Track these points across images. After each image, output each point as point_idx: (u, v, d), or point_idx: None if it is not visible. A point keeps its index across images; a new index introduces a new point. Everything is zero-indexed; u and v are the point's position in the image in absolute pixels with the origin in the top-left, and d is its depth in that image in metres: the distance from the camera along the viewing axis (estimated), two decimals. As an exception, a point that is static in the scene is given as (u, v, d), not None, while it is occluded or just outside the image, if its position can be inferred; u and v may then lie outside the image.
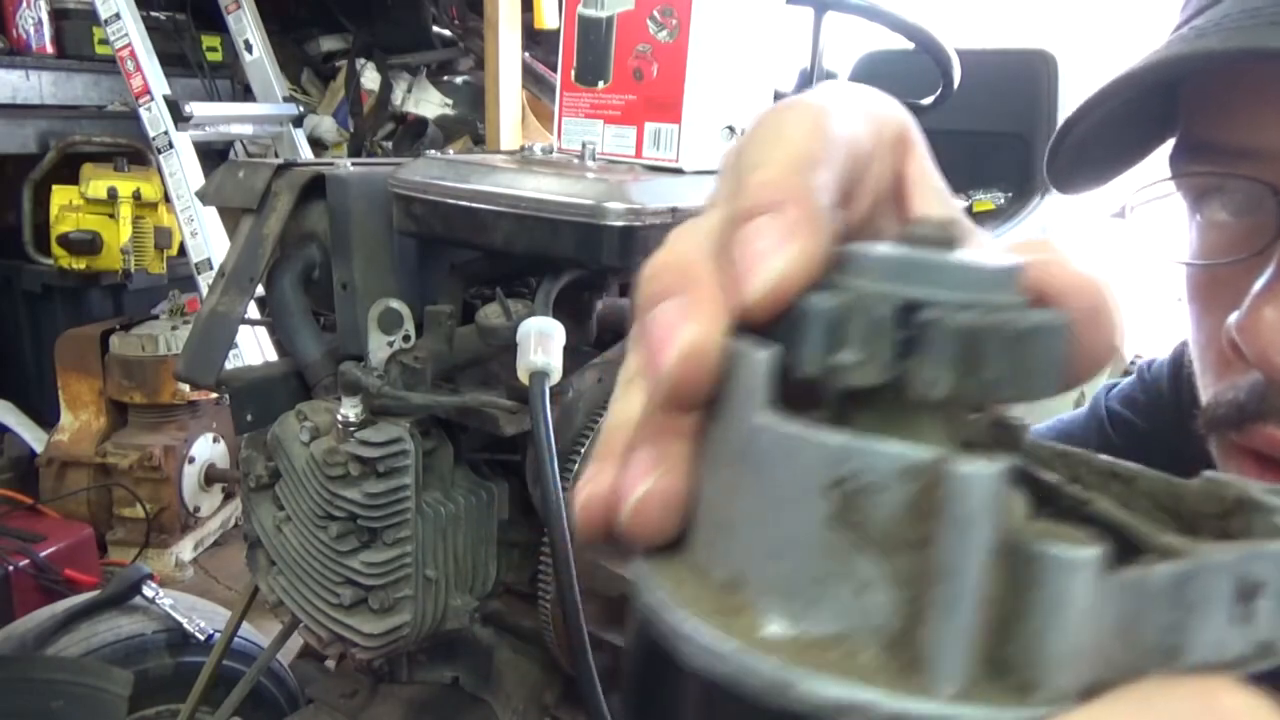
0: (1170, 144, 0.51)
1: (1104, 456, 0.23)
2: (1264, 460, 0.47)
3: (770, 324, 0.20)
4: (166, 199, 2.66)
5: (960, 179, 2.48)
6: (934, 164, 0.27)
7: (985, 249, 0.22)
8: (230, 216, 1.17)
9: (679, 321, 0.20)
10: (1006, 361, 0.18)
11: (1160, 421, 0.69)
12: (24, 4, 2.71)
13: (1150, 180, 0.52)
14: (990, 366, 0.18)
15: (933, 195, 0.27)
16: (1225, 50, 0.41)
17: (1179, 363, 0.68)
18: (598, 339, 1.08)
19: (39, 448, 2.61)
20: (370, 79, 3.39)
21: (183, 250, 2.63)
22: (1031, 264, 0.21)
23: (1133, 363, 0.79)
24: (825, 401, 0.21)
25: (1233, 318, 0.44)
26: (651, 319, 0.21)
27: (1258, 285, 0.44)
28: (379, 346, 0.94)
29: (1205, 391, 0.51)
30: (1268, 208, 0.45)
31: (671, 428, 0.21)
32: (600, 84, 1.00)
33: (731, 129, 0.98)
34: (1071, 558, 0.16)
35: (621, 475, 0.21)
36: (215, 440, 2.70)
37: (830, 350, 0.19)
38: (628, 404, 0.23)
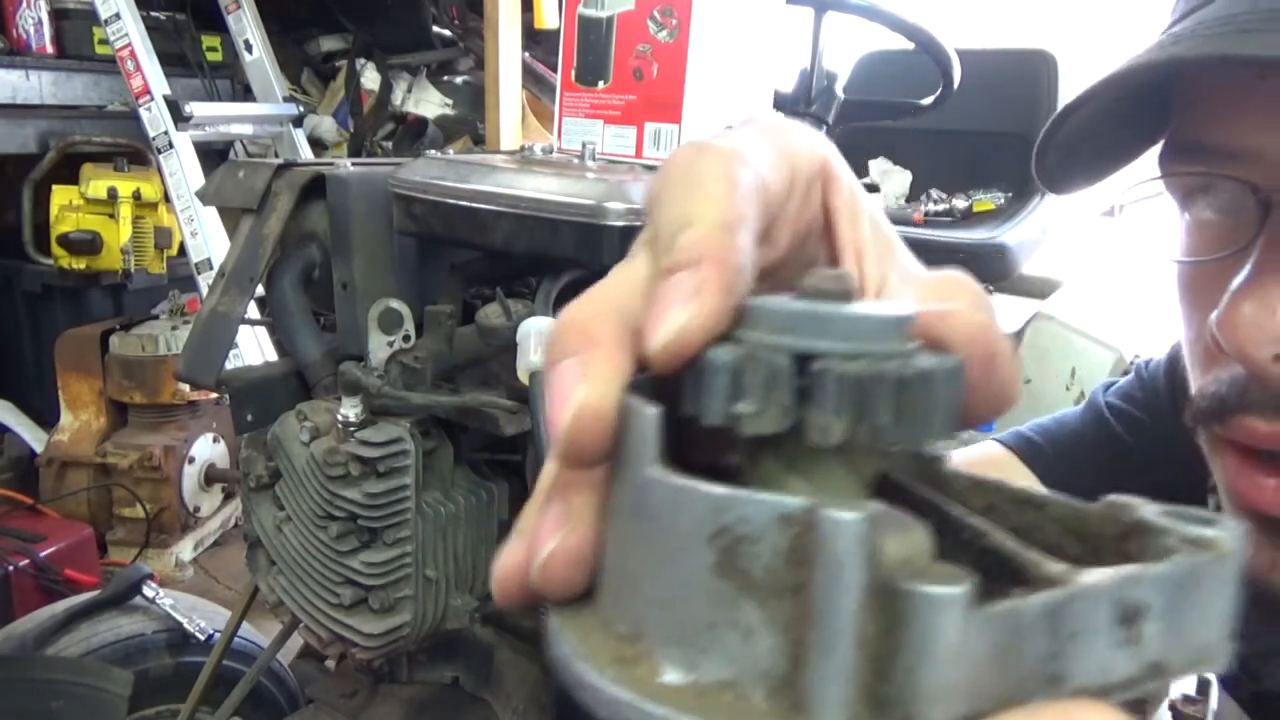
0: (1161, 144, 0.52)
1: (1018, 483, 0.23)
2: (1244, 451, 0.48)
3: (679, 376, 0.21)
4: (166, 199, 2.66)
5: (960, 179, 2.48)
6: (861, 192, 0.27)
7: (882, 300, 0.22)
8: (230, 216, 1.17)
9: (575, 382, 0.21)
10: (894, 407, 0.19)
11: (1158, 417, 0.70)
12: (24, 4, 2.71)
13: (1140, 179, 0.53)
14: (879, 412, 0.19)
15: (863, 224, 0.27)
16: (1195, 57, 0.43)
17: (1175, 360, 0.68)
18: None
19: (39, 448, 2.61)
20: (370, 79, 3.39)
21: (183, 250, 2.63)
22: (926, 312, 0.22)
23: (1132, 362, 0.79)
24: (736, 448, 0.21)
25: (1214, 314, 0.45)
26: (552, 379, 0.22)
27: (1236, 281, 0.45)
28: (379, 346, 0.94)
29: (1193, 386, 0.52)
30: (1249, 207, 0.46)
31: (578, 483, 0.22)
32: (600, 84, 1.00)
33: (731, 129, 0.98)
34: (939, 595, 0.16)
35: (533, 533, 0.22)
36: (215, 440, 2.70)
37: (731, 400, 0.20)
38: (550, 467, 0.24)
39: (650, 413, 0.20)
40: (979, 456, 0.78)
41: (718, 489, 0.18)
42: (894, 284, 0.26)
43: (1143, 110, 0.51)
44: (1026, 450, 0.75)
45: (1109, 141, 0.53)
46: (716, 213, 0.22)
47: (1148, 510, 0.20)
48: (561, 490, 0.22)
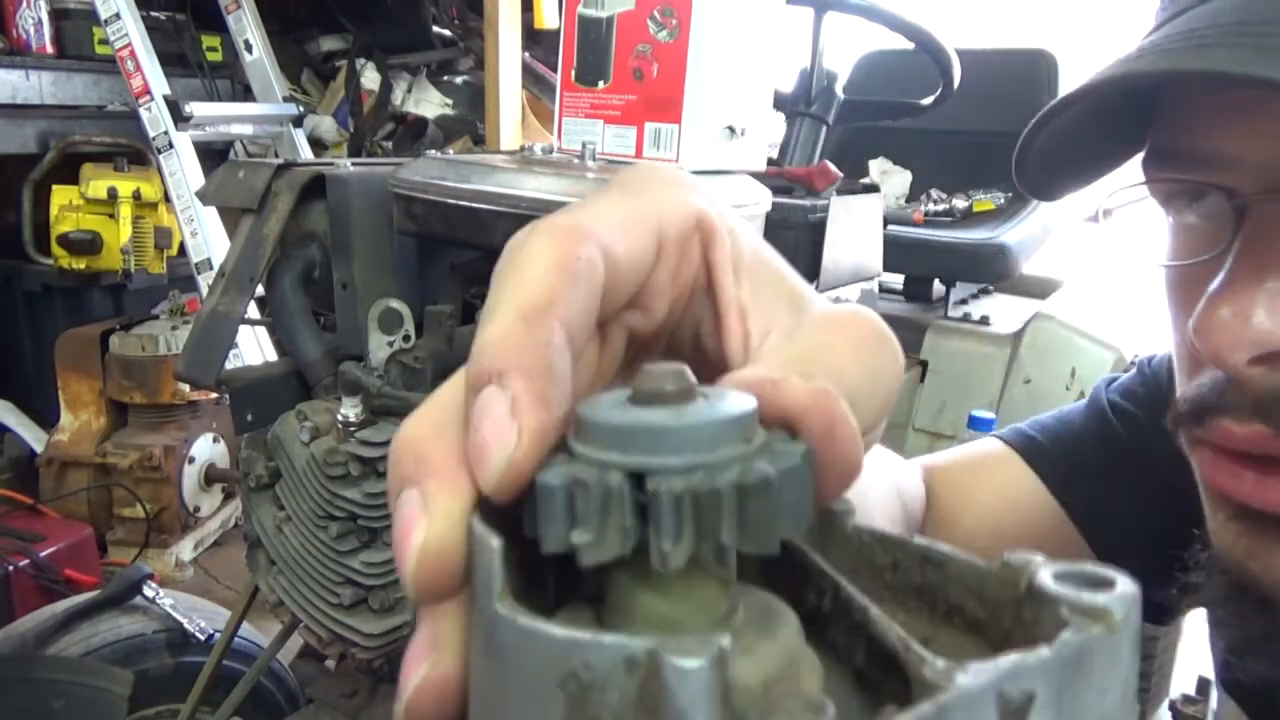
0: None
1: (920, 540, 0.22)
2: (1221, 452, 0.48)
3: (516, 500, 0.20)
4: (166, 199, 2.66)
5: (960, 179, 2.48)
6: (746, 239, 0.26)
7: (719, 392, 0.21)
8: (230, 216, 1.17)
9: (415, 518, 0.20)
10: (737, 520, 0.18)
11: (1160, 414, 0.70)
12: (24, 4, 2.71)
13: (1123, 184, 0.54)
14: (721, 529, 0.18)
15: (744, 276, 0.25)
16: (1152, 71, 0.43)
17: None
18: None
19: (39, 448, 2.61)
20: (370, 79, 3.39)
21: (183, 250, 2.63)
22: (764, 394, 0.21)
23: (1133, 361, 0.79)
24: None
25: (1192, 318, 0.46)
26: (395, 511, 0.21)
27: (1213, 286, 0.45)
28: (379, 346, 0.94)
29: (1178, 389, 0.52)
30: (1226, 211, 0.46)
31: (442, 612, 0.21)
32: (600, 84, 1.00)
33: (731, 129, 0.98)
34: None
35: (404, 663, 0.21)
36: (215, 440, 2.71)
37: (567, 529, 0.19)
38: None
39: (493, 546, 0.19)
40: (978, 452, 0.77)
41: (560, 632, 0.17)
42: (774, 342, 0.25)
43: (1123, 117, 0.51)
44: (1027, 448, 0.74)
45: (1091, 148, 0.54)
46: (523, 300, 0.21)
47: (1041, 575, 0.19)
48: (428, 616, 0.21)
